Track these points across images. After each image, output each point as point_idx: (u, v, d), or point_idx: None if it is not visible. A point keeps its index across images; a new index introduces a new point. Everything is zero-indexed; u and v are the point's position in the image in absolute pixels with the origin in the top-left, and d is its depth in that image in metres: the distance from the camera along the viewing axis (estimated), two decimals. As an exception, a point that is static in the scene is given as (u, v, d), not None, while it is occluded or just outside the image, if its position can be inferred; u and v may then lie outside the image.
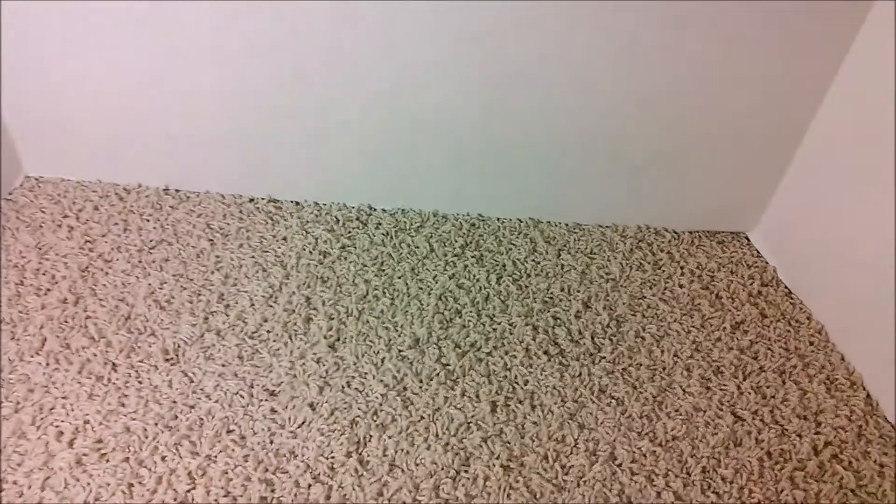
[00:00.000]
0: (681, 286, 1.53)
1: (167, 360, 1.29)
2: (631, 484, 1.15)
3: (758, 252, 1.65)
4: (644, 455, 1.19)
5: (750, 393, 1.31)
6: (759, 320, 1.47)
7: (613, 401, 1.28)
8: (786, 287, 1.55)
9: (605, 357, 1.35)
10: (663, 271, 1.56)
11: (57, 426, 1.16)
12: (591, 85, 1.45)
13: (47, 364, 1.25)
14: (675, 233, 1.68)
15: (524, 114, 1.50)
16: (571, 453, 1.19)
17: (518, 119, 1.51)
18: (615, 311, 1.45)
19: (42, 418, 1.17)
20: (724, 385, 1.32)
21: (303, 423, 1.20)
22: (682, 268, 1.58)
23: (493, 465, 1.15)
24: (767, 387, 1.33)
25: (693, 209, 1.67)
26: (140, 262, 1.48)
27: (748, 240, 1.69)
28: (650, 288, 1.52)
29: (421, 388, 1.27)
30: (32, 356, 1.26)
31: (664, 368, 1.34)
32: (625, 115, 1.49)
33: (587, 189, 1.64)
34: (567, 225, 1.68)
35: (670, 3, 1.32)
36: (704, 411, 1.27)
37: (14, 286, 1.39)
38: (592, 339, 1.39)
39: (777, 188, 1.62)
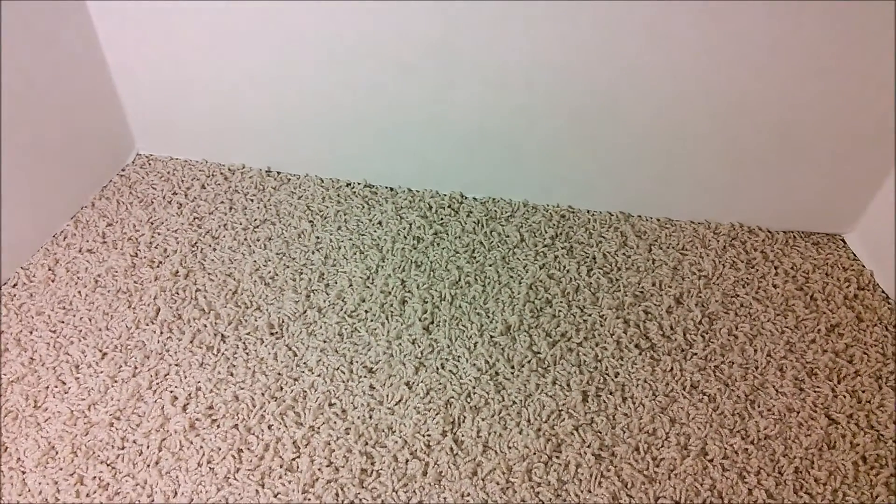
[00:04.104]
0: (775, 286, 1.51)
1: (272, 333, 1.35)
2: (722, 479, 1.15)
3: (854, 255, 1.61)
4: (736, 452, 1.19)
5: (845, 396, 1.29)
6: (854, 324, 1.44)
7: (705, 397, 1.28)
8: (883, 292, 1.52)
9: (696, 353, 1.36)
10: (757, 270, 1.55)
11: (171, 391, 1.24)
12: (689, 80, 1.44)
13: (161, 332, 1.34)
14: (770, 232, 1.65)
15: (617, 109, 1.50)
16: (663, 446, 1.20)
17: (612, 114, 1.51)
18: (707, 309, 1.45)
19: (157, 383, 1.25)
20: (819, 387, 1.31)
21: (400, 400, 1.25)
22: (776, 268, 1.56)
23: (585, 453, 1.17)
24: (863, 391, 1.31)
25: (789, 209, 1.63)
26: (245, 239, 1.55)
27: (844, 242, 1.65)
28: (743, 287, 1.50)
29: (513, 374, 1.30)
30: (147, 324, 1.35)
31: (757, 367, 1.34)
32: (721, 111, 1.47)
33: (680, 184, 1.63)
34: (658, 220, 1.68)
35: (776, 1, 1.30)
36: (798, 412, 1.26)
37: (129, 258, 1.48)
38: (684, 335, 1.39)
39: (877, 191, 1.58)
